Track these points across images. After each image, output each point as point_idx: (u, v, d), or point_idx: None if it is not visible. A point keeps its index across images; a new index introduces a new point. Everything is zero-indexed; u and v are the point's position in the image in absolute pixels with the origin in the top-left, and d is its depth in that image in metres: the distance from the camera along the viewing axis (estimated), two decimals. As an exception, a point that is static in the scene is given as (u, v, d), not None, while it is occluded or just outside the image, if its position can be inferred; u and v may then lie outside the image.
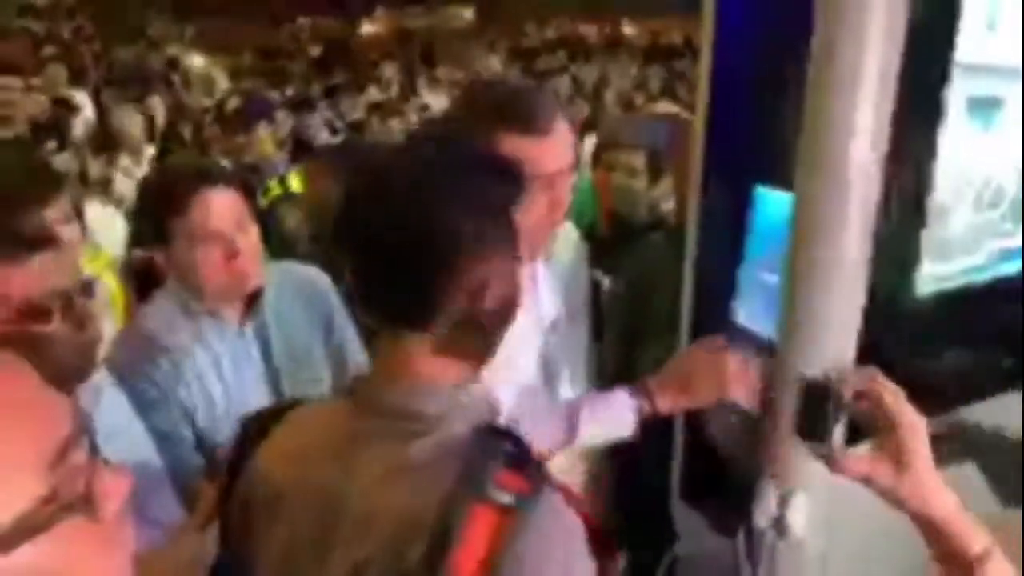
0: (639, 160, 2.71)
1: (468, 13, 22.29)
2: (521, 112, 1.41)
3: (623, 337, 2.17)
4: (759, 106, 1.43)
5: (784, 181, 1.31)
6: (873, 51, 1.17)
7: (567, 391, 1.68)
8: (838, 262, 1.26)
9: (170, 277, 1.70)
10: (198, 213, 1.60)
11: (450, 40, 15.58)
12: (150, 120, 5.52)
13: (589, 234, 2.70)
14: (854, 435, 1.26)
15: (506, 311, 0.98)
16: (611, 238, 2.65)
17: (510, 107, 1.43)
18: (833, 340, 1.31)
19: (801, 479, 1.26)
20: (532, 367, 1.55)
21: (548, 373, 1.59)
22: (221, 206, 1.62)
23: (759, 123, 1.43)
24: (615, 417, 1.43)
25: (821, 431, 0.95)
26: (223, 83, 9.31)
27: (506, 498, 0.86)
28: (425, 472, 0.90)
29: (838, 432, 0.91)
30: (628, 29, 16.27)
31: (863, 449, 1.34)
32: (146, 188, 1.84)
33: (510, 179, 0.98)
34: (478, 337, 0.97)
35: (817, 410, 0.95)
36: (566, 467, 1.65)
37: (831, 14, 1.17)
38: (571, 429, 1.43)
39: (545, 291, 1.60)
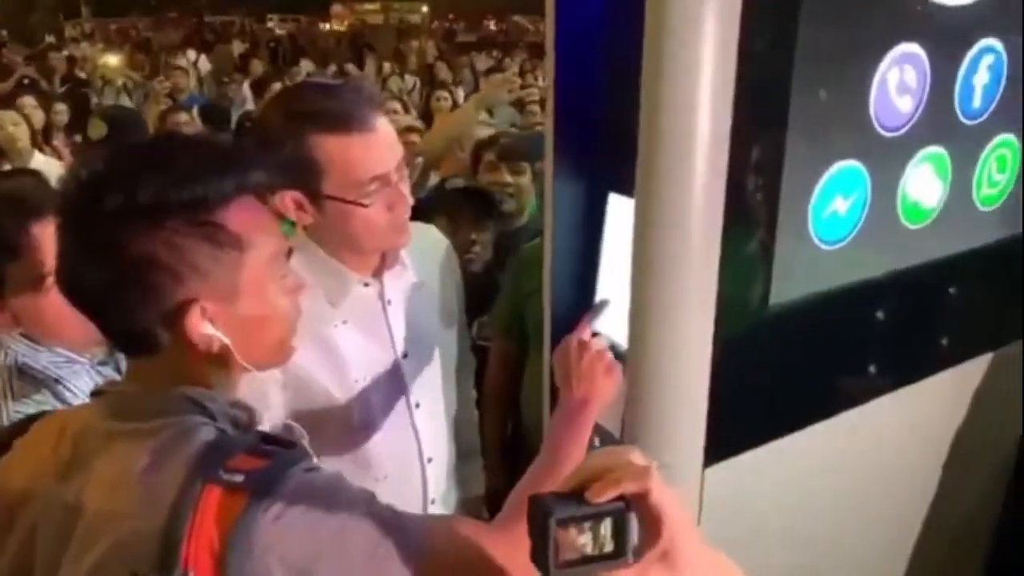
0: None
1: (424, 8, 22.15)
2: (332, 111, 1.29)
3: (509, 338, 2.18)
4: (610, 114, 1.38)
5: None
6: (706, 60, 1.11)
7: (436, 418, 1.58)
8: (683, 269, 1.20)
9: None
10: None
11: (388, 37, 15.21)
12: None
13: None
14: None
15: (243, 322, 0.91)
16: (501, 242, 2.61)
17: (319, 107, 1.30)
18: (683, 349, 1.26)
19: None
20: (382, 394, 1.46)
21: (406, 401, 1.50)
22: None
23: (611, 131, 1.38)
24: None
25: (544, 559, 0.69)
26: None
27: (237, 477, 0.82)
28: (157, 471, 0.85)
29: (584, 545, 0.70)
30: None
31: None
32: None
33: (201, 187, 0.88)
34: (206, 357, 0.91)
35: (539, 533, 0.70)
36: (444, 493, 1.61)
37: (658, 25, 1.10)
38: None
39: (400, 312, 1.50)
